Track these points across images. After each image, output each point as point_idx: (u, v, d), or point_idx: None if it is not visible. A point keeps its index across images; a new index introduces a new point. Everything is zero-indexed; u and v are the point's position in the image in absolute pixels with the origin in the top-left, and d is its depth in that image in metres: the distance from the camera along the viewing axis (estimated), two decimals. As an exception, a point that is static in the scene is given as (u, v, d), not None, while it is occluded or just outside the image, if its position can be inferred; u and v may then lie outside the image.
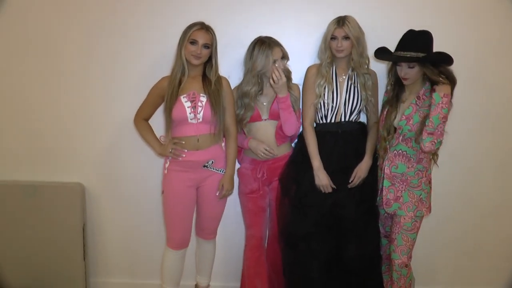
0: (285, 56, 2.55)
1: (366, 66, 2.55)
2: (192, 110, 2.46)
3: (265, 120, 2.61)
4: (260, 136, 2.62)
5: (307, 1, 2.82)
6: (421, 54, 2.30)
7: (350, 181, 2.54)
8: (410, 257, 2.47)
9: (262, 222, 2.70)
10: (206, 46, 2.45)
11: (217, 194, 2.56)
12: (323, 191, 2.53)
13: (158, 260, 2.80)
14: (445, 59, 2.31)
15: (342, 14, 2.52)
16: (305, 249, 2.53)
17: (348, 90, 2.56)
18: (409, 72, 2.35)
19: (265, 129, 2.63)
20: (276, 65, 2.48)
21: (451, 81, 2.32)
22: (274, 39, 2.55)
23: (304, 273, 2.54)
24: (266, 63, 2.49)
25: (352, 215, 2.51)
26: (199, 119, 2.47)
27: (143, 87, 2.62)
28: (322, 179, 2.52)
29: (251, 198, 2.66)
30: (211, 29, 2.48)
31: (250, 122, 2.62)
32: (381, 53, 2.45)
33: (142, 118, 2.62)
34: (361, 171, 2.54)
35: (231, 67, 2.74)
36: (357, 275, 2.54)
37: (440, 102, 2.25)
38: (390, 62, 2.50)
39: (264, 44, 2.51)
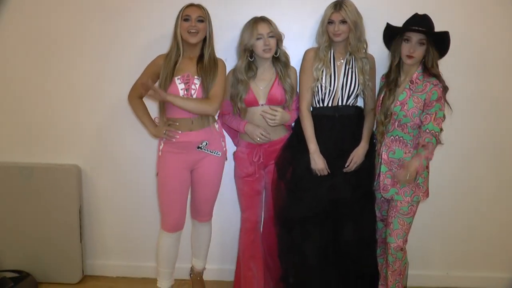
0: (275, 35, 2.52)
1: (364, 51, 2.54)
2: (185, 92, 2.45)
3: (262, 105, 2.58)
4: (257, 121, 2.60)
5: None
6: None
7: (346, 166, 2.54)
8: (406, 241, 2.49)
9: (258, 205, 2.71)
10: (200, 19, 2.45)
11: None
12: (319, 175, 2.53)
13: (155, 242, 2.79)
14: (448, 44, 2.36)
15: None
16: (300, 233, 2.54)
17: (345, 74, 2.54)
18: (417, 50, 2.35)
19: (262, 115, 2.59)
20: (263, 109, 2.53)
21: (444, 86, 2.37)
22: (266, 18, 2.54)
23: (300, 256, 2.55)
24: (249, 37, 2.50)
25: (348, 199, 2.51)
26: None
27: (139, 68, 2.60)
28: (318, 162, 2.52)
29: (247, 182, 2.65)
30: (202, 6, 2.50)
31: (247, 107, 2.59)
32: (391, 27, 2.45)
33: (136, 96, 2.61)
34: (357, 156, 2.54)
35: (226, 50, 2.71)
36: (352, 259, 2.55)
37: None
38: (392, 46, 2.47)
39: (251, 20, 2.54)
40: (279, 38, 2.55)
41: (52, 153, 2.99)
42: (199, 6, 2.49)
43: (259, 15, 2.56)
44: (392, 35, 2.45)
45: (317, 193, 2.52)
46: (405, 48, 2.38)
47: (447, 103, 2.40)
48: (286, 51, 2.62)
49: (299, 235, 2.54)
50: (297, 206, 2.54)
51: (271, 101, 2.57)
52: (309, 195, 2.53)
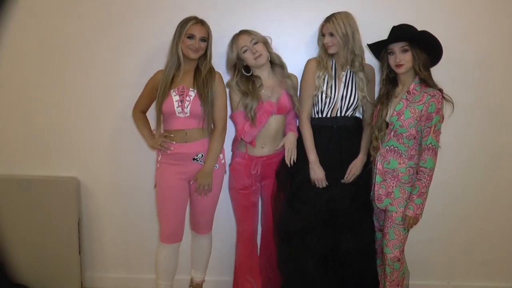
0: (259, 40, 2.52)
1: (358, 64, 2.53)
2: (179, 104, 2.47)
3: (273, 114, 2.56)
4: (265, 131, 2.57)
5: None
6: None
7: (345, 177, 2.54)
8: (403, 251, 2.48)
9: (253, 217, 2.70)
10: (203, 39, 2.48)
11: (191, 183, 2.57)
12: (317, 185, 2.54)
13: (154, 254, 2.80)
14: (435, 42, 2.35)
15: (340, 9, 2.52)
16: (300, 244, 2.53)
17: (346, 86, 2.55)
18: (403, 58, 2.36)
19: (269, 123, 2.57)
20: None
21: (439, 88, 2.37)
22: (244, 30, 2.55)
23: (299, 268, 2.54)
24: (231, 53, 2.54)
25: (347, 210, 2.51)
26: (186, 113, 2.48)
27: (138, 81, 2.64)
28: (317, 173, 2.52)
29: (243, 194, 2.64)
30: (206, 23, 2.51)
31: None
32: (371, 46, 2.49)
33: (139, 111, 2.66)
34: (355, 168, 2.55)
35: (224, 63, 2.69)
36: (352, 269, 2.54)
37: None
38: (383, 58, 2.49)
39: (232, 38, 2.56)
40: (265, 42, 2.55)
41: (51, 166, 3.00)
42: (203, 24, 2.49)
43: (259, 28, 2.57)
44: (379, 51, 2.49)
45: (316, 204, 2.52)
46: (391, 60, 2.40)
47: (448, 100, 2.39)
48: (277, 53, 2.61)
49: (298, 246, 2.53)
50: (296, 218, 2.53)
51: (280, 110, 2.56)
52: (308, 207, 2.52)
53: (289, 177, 2.60)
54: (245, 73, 2.57)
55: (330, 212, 2.51)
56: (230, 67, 2.60)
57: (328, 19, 2.48)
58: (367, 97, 2.56)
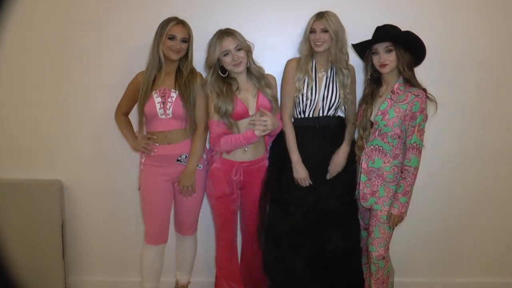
0: (243, 47, 2.44)
1: (345, 62, 2.55)
2: (161, 105, 2.46)
3: (252, 115, 2.47)
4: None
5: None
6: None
7: (328, 172, 2.56)
8: (387, 249, 2.50)
9: (233, 224, 2.66)
10: (184, 40, 2.46)
11: (176, 185, 2.56)
12: (301, 185, 2.55)
13: (139, 257, 2.79)
14: (418, 43, 2.38)
15: (323, 8, 2.53)
16: (288, 245, 2.54)
17: (326, 86, 2.56)
18: (387, 58, 2.38)
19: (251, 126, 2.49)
20: (253, 116, 2.43)
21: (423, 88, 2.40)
22: (231, 30, 2.45)
23: (287, 268, 2.55)
24: (213, 54, 2.43)
25: (335, 210, 2.52)
26: (168, 114, 2.47)
27: (120, 83, 2.62)
28: (300, 172, 2.53)
29: (222, 203, 2.57)
30: (187, 24, 2.49)
31: (237, 120, 2.47)
32: (356, 46, 2.50)
33: (121, 113, 2.64)
34: (338, 157, 2.56)
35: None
36: (339, 268, 2.56)
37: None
38: (367, 59, 2.52)
39: (216, 35, 2.45)
40: (248, 50, 2.48)
41: (34, 168, 2.96)
42: (184, 25, 2.47)
43: (242, 28, 2.50)
44: (364, 51, 2.51)
45: (304, 205, 2.53)
46: (376, 60, 2.43)
47: (431, 100, 2.42)
48: (258, 64, 2.54)
49: (286, 247, 2.54)
50: (283, 220, 2.54)
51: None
52: (296, 208, 2.53)
53: (275, 181, 2.59)
54: (221, 74, 2.49)
55: (318, 213, 2.52)
56: (208, 67, 2.50)
57: (321, 16, 2.48)
58: (349, 95, 2.57)
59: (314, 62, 2.58)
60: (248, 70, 2.53)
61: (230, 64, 2.43)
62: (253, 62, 2.52)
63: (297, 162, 2.54)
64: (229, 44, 2.41)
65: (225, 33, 2.44)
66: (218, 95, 2.44)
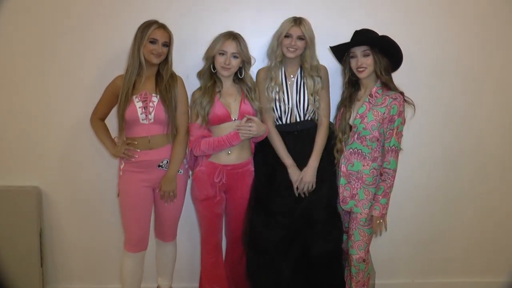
0: (241, 56, 2.47)
1: (317, 70, 2.54)
2: (143, 110, 2.44)
3: (235, 120, 2.49)
4: None
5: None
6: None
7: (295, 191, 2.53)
8: (368, 252, 2.52)
9: (219, 228, 2.65)
10: (165, 44, 2.44)
11: (157, 191, 2.55)
12: (303, 188, 2.51)
13: (118, 264, 2.75)
14: (395, 46, 2.42)
15: (301, 12, 2.54)
16: (274, 253, 2.52)
17: (298, 92, 2.55)
18: (364, 62, 2.41)
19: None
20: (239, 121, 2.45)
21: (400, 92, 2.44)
22: (238, 36, 2.47)
23: (272, 274, 2.53)
24: (212, 50, 2.46)
25: (321, 216, 2.52)
26: (150, 119, 2.45)
27: (98, 87, 2.58)
28: (297, 175, 2.51)
29: (206, 206, 2.55)
30: (167, 28, 2.48)
31: (219, 124, 2.48)
32: (334, 48, 2.53)
33: (98, 118, 2.59)
34: (306, 175, 2.50)
35: (188, 67, 2.70)
36: (322, 272, 2.55)
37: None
38: (345, 62, 2.54)
39: (224, 33, 2.48)
40: (246, 61, 2.51)
41: (11, 175, 2.91)
42: (165, 29, 2.46)
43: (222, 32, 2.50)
44: (341, 55, 2.53)
45: (290, 214, 2.51)
46: (353, 63, 2.46)
47: (409, 103, 2.45)
48: (252, 76, 2.58)
49: (271, 254, 2.53)
50: (269, 228, 2.52)
51: (243, 116, 2.48)
52: (281, 217, 2.51)
53: (262, 190, 2.56)
54: (212, 69, 2.51)
55: (304, 220, 2.52)
56: (205, 58, 2.52)
57: (299, 22, 2.46)
58: (321, 102, 2.55)
59: (283, 69, 2.56)
60: (241, 80, 2.55)
61: (220, 64, 2.46)
62: (249, 73, 2.56)
63: (292, 165, 2.52)
64: (229, 47, 2.44)
65: (232, 36, 2.47)
66: (201, 89, 2.49)
